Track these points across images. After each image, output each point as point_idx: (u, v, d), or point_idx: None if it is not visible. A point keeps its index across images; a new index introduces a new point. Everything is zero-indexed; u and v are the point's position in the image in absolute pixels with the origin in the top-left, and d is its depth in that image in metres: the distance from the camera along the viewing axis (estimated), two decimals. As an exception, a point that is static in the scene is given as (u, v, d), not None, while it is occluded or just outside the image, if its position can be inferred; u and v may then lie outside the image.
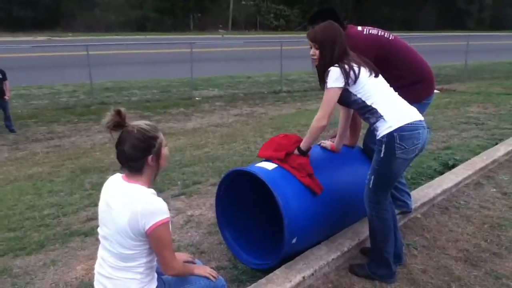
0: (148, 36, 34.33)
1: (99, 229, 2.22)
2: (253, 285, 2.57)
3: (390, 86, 2.70)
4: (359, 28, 3.12)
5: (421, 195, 3.88)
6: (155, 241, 2.06)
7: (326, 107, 2.62)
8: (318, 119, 2.65)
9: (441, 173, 4.55)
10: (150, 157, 2.08)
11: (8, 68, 9.80)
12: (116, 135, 2.08)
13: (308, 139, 2.79)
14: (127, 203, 2.04)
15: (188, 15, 45.34)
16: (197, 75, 14.20)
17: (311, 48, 2.70)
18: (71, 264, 3.11)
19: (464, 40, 17.06)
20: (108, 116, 2.04)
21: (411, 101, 2.70)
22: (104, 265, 2.18)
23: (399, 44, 3.12)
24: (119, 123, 2.06)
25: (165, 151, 2.16)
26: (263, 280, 2.60)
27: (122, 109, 2.07)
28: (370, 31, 3.09)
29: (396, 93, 2.67)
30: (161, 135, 2.14)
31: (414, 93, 2.96)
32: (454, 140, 5.99)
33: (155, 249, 2.09)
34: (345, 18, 3.10)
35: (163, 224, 2.04)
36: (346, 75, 2.55)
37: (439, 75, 15.87)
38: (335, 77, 2.56)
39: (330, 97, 2.60)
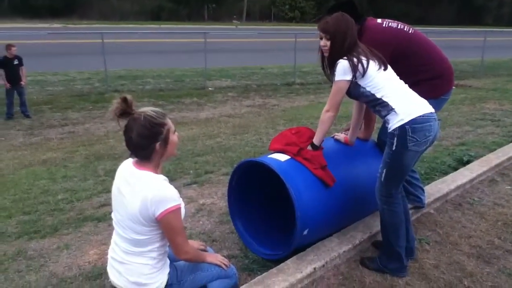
0: (162, 26, 34.37)
1: (112, 215, 2.25)
2: (263, 274, 2.58)
3: (407, 80, 2.67)
4: (379, 20, 3.08)
5: (434, 190, 3.85)
6: (166, 227, 2.07)
7: (333, 99, 2.63)
8: (326, 111, 2.67)
9: (455, 169, 4.51)
10: (157, 144, 2.07)
11: (25, 54, 9.90)
12: (124, 123, 2.06)
13: (319, 132, 2.79)
14: (138, 190, 2.06)
15: (202, 5, 45.29)
16: (210, 66, 14.20)
17: (321, 39, 2.68)
18: (84, 248, 3.15)
19: (482, 36, 16.79)
20: (114, 104, 2.03)
21: (428, 97, 2.67)
22: (117, 250, 2.21)
23: (418, 38, 3.07)
24: (125, 111, 2.04)
25: (173, 138, 2.14)
26: (274, 270, 2.61)
27: (129, 96, 2.06)
28: (390, 24, 3.04)
29: (407, 85, 2.64)
30: (169, 122, 2.12)
31: (432, 89, 2.93)
32: (469, 136, 5.92)
33: (167, 235, 2.11)
34: (363, 13, 3.07)
35: (174, 211, 2.05)
36: (354, 68, 2.53)
37: (455, 70, 15.50)
38: (343, 70, 2.55)
39: (338, 89, 2.60)
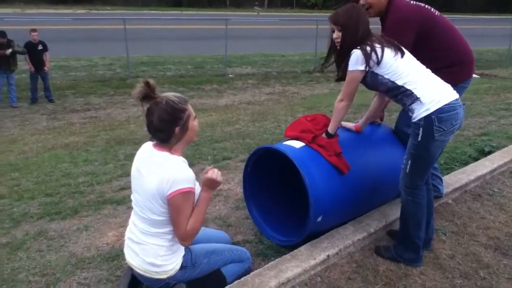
0: (184, 12, 34.38)
1: (131, 196, 2.30)
2: (277, 260, 2.60)
3: (426, 66, 2.62)
4: None
5: (453, 180, 3.79)
6: (172, 207, 2.11)
7: (346, 89, 2.61)
8: (339, 100, 2.65)
9: (476, 160, 4.43)
10: (177, 129, 2.11)
11: (49, 39, 10.08)
12: (147, 107, 2.12)
13: (334, 121, 2.77)
14: (156, 169, 2.11)
15: (224, -9, 45.03)
16: (231, 52, 14.19)
17: (333, 31, 2.63)
18: (103, 230, 3.23)
19: (509, 23, 16.28)
20: (137, 87, 2.08)
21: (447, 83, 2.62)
22: (135, 231, 2.26)
23: (442, 21, 3.00)
24: (148, 95, 2.10)
25: (193, 124, 2.18)
26: (287, 256, 2.62)
27: (151, 81, 2.11)
28: (417, 3, 2.98)
29: (429, 70, 2.59)
30: (189, 108, 2.16)
31: (451, 75, 2.86)
32: (492, 126, 5.79)
33: (171, 213, 2.13)
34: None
35: (184, 193, 2.08)
36: (367, 57, 2.48)
37: (480, 59, 15.27)
38: (355, 60, 2.51)
39: (351, 79, 2.57)
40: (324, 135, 2.81)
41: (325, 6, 46.69)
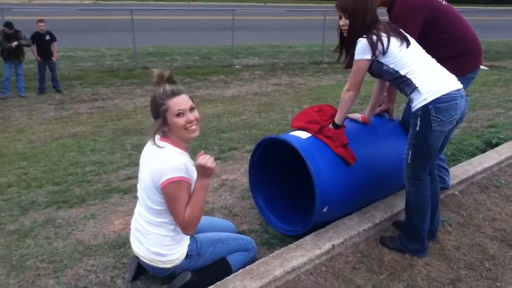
0: (191, 3, 34.27)
1: (138, 185, 2.33)
2: (282, 249, 2.61)
3: (433, 55, 2.60)
4: None
5: (460, 172, 3.77)
6: (167, 196, 2.14)
7: (353, 79, 2.60)
8: (346, 90, 2.64)
9: (483, 152, 4.40)
10: (158, 121, 2.17)
11: (56, 30, 10.10)
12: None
13: (340, 112, 2.75)
14: (152, 160, 2.17)
15: (231, -19, 44.73)
16: (238, 43, 14.14)
17: (340, 18, 2.62)
18: (110, 218, 3.25)
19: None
20: (154, 73, 2.21)
21: (453, 75, 2.59)
22: (140, 220, 2.28)
23: (450, 11, 2.97)
24: (158, 84, 2.19)
25: (173, 120, 2.15)
26: (293, 245, 2.64)
27: (166, 73, 2.18)
28: None
29: (434, 60, 2.57)
30: (169, 104, 2.13)
31: (457, 66, 2.84)
32: (500, 118, 5.74)
33: (168, 204, 2.16)
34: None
35: (175, 182, 2.09)
36: (373, 46, 2.47)
37: (489, 51, 15.11)
38: (362, 49, 2.50)
39: (357, 69, 2.56)
40: (331, 126, 2.80)
41: (333, -3, 46.25)
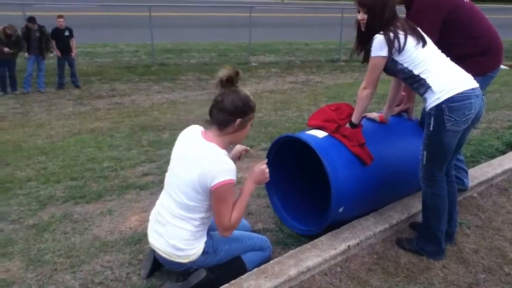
0: (209, -1, 34.29)
1: (167, 175, 2.34)
2: (297, 249, 2.60)
3: (453, 53, 2.55)
4: None
5: (479, 173, 3.71)
6: (216, 198, 2.16)
7: (369, 76, 2.57)
8: (363, 88, 2.62)
9: (504, 153, 4.31)
10: (239, 120, 2.20)
11: (75, 25, 10.22)
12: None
13: (357, 110, 2.73)
14: (201, 159, 2.16)
15: (249, -22, 44.66)
16: (255, 40, 14.12)
17: (358, 12, 2.58)
18: (126, 214, 3.28)
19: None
20: (226, 71, 2.21)
21: (474, 74, 2.54)
22: (163, 211, 2.30)
23: (470, 9, 2.91)
24: (231, 81, 2.22)
25: (248, 127, 2.28)
26: (308, 245, 2.62)
27: (241, 72, 2.25)
28: None
29: (449, 59, 2.52)
30: (254, 114, 2.29)
31: (478, 65, 2.78)
32: (522, 119, 5.62)
33: (214, 204, 2.19)
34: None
35: (228, 184, 2.13)
36: (390, 43, 2.44)
37: (511, 50, 14.78)
38: (379, 46, 2.47)
39: (374, 66, 2.54)
40: (348, 125, 2.78)
41: (351, -7, 45.76)
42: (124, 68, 11.71)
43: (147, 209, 3.30)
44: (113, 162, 4.46)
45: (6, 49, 8.86)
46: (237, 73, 2.22)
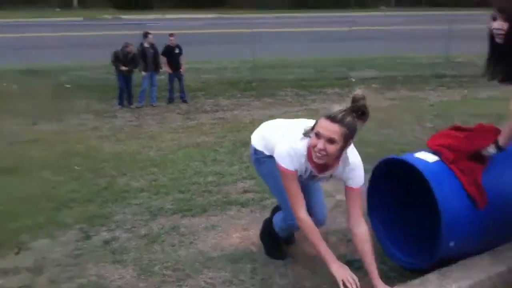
0: (310, 14, 34.56)
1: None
2: (406, 283, 2.47)
3: None
4: None
5: None
6: None
7: None
8: None
9: None
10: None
11: (184, 43, 10.90)
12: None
13: (509, 131, 2.34)
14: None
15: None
16: (355, 54, 13.90)
17: (494, 20, 2.23)
18: (229, 231, 3.40)
19: None
20: (363, 101, 2.23)
21: None
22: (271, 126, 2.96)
23: None
24: (365, 113, 2.25)
25: (312, 136, 2.28)
26: (416, 281, 2.46)
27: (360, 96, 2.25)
28: None
29: None
30: (320, 121, 2.28)
31: None
32: None
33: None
34: None
35: (280, 167, 2.41)
36: None
37: None
38: None
39: None
40: (492, 148, 2.48)
41: (458, 3, 42.69)
42: (227, 84, 12.20)
43: (248, 227, 3.41)
44: (216, 177, 4.66)
45: (123, 67, 9.74)
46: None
